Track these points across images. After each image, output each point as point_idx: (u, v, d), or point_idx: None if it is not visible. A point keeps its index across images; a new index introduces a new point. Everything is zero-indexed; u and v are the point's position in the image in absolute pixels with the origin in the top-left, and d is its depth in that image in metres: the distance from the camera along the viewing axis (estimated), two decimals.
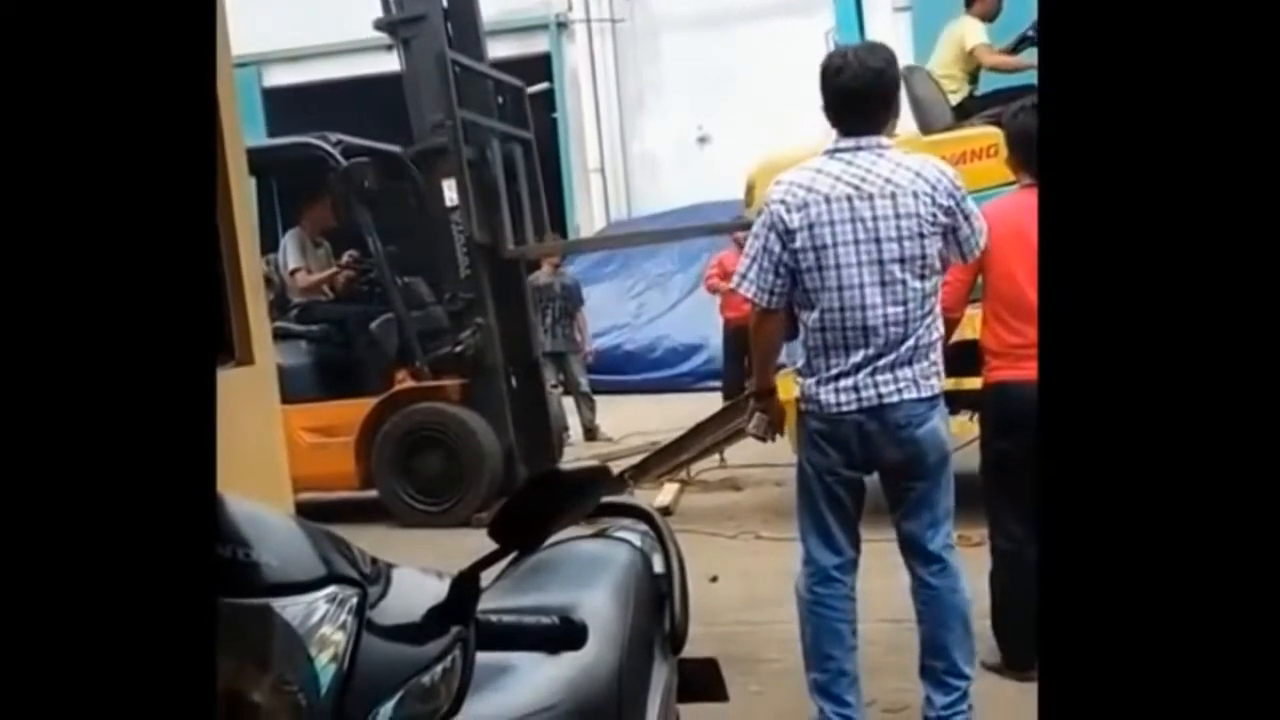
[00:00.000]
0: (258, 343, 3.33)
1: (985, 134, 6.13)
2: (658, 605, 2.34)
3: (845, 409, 3.43)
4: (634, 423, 10.61)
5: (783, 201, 3.43)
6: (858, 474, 3.57)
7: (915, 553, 3.59)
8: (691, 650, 2.48)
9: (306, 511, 1.66)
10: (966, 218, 3.45)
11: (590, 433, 10.71)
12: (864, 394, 3.41)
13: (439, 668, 1.34)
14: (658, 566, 2.41)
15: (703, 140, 16.86)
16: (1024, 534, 3.99)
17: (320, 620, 1.23)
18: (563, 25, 17.63)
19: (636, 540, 2.43)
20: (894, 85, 3.50)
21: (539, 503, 1.45)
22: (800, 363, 3.58)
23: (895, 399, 3.40)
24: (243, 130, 3.38)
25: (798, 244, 3.40)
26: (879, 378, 3.40)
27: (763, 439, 3.94)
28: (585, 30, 17.46)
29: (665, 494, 7.49)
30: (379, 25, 7.59)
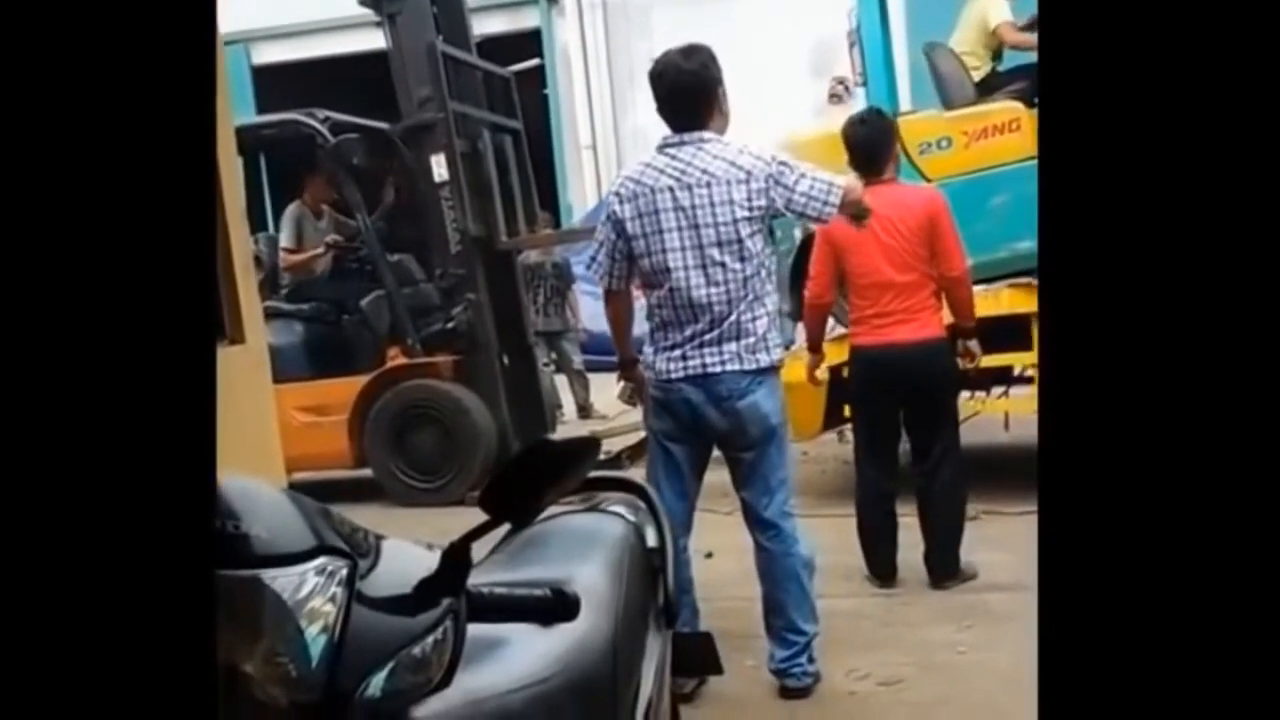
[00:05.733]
0: (249, 322, 3.33)
1: (1007, 109, 6.18)
2: (651, 579, 2.34)
3: (675, 376, 3.77)
4: None
5: (617, 194, 3.81)
6: (690, 439, 3.87)
7: (751, 519, 3.92)
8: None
9: (301, 491, 1.64)
10: (794, 185, 3.67)
11: (584, 410, 10.68)
12: (691, 363, 3.75)
13: (430, 639, 1.34)
14: (650, 540, 2.41)
15: None
16: (877, 472, 4.91)
17: (310, 592, 1.23)
18: (553, 1, 17.54)
19: (629, 514, 2.43)
20: (710, 84, 3.79)
21: (529, 473, 1.44)
22: (647, 337, 3.93)
23: (718, 369, 3.72)
24: (232, 108, 3.36)
25: (630, 232, 3.75)
26: (705, 350, 3.73)
27: (631, 404, 4.35)
28: (575, 5, 17.36)
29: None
30: (364, 0, 7.56)
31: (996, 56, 6.75)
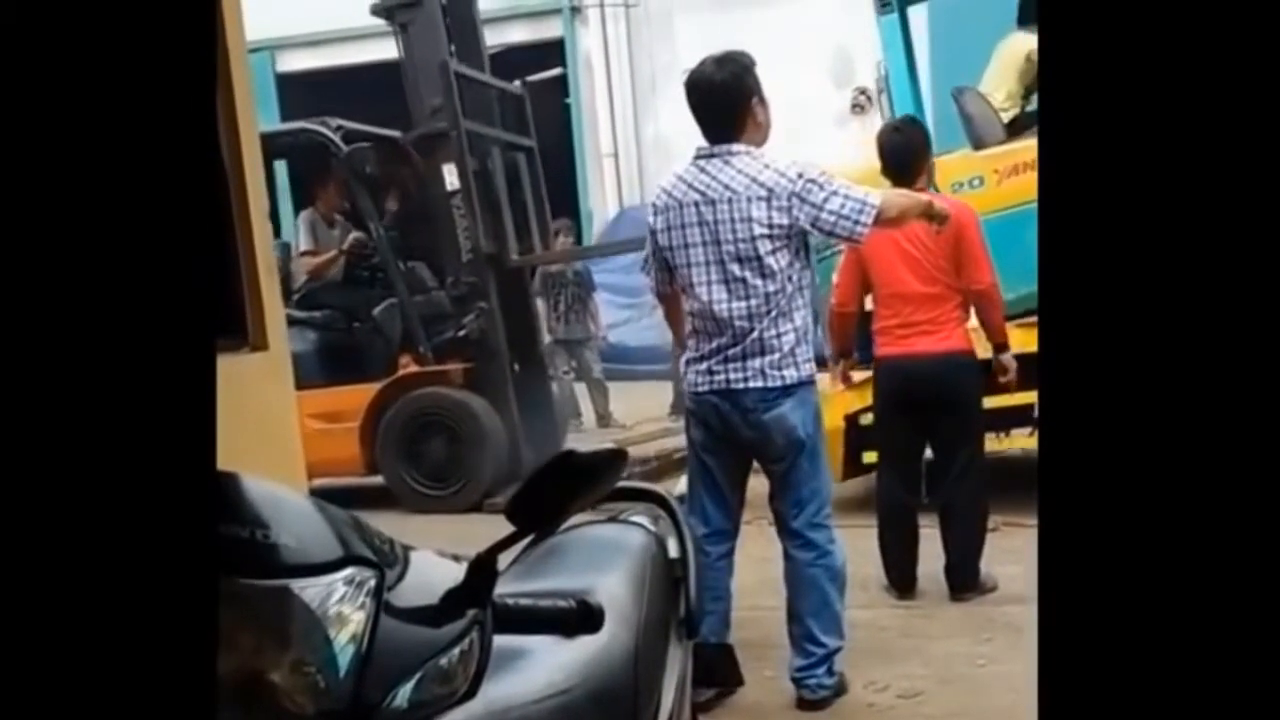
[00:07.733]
0: (272, 328, 3.32)
1: (1035, 147, 6.12)
2: (673, 590, 2.33)
3: (702, 389, 3.81)
4: (646, 409, 10.59)
5: (653, 205, 3.88)
6: (724, 449, 3.89)
7: (781, 528, 3.95)
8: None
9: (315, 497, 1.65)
10: (822, 204, 3.62)
11: (603, 419, 10.68)
12: (716, 378, 3.77)
13: (456, 650, 1.34)
14: (672, 551, 2.40)
15: None
16: (899, 484, 4.92)
17: (338, 601, 1.24)
18: (576, 10, 17.55)
19: (651, 525, 2.42)
20: (742, 95, 3.72)
21: (556, 485, 1.44)
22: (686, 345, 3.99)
23: (742, 385, 3.73)
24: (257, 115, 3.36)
25: (661, 244, 3.81)
26: (729, 365, 3.74)
27: None
28: (599, 14, 17.39)
29: (684, 482, 7.47)
30: (376, 10, 7.60)
31: (1026, 96, 6.75)
